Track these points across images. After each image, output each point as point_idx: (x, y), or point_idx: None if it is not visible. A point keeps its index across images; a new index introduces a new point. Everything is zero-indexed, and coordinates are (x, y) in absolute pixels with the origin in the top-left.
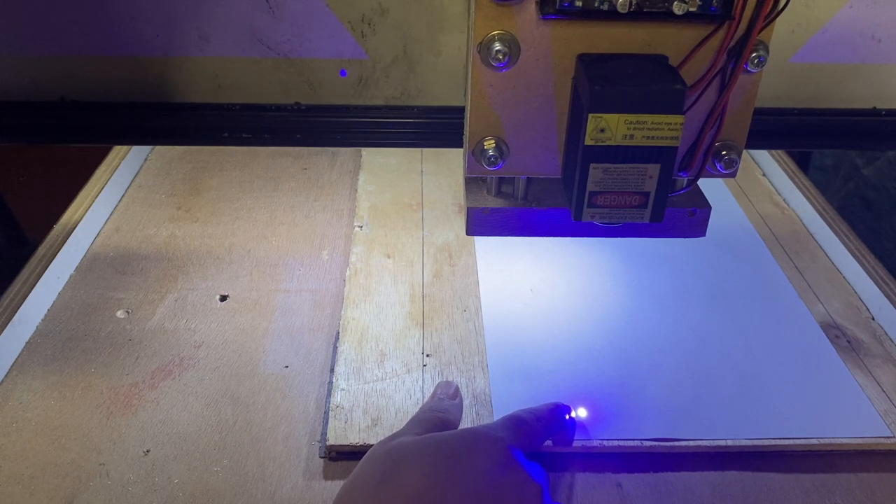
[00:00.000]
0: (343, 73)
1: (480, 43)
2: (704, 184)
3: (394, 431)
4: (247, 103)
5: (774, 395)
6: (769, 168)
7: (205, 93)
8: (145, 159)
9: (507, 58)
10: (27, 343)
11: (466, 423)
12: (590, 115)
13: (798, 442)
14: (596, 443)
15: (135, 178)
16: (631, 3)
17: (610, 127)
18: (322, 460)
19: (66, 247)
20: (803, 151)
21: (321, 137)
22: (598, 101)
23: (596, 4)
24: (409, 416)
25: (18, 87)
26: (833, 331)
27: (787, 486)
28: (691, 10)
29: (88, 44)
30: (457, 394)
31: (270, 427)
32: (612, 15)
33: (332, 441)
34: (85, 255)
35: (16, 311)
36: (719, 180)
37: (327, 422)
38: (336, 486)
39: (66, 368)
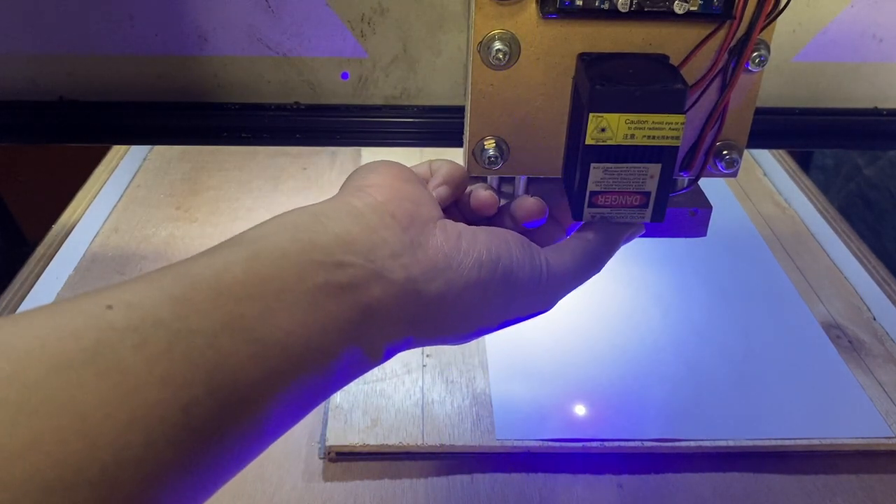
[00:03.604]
0: (345, 75)
1: (480, 42)
2: (705, 183)
3: (393, 432)
4: (246, 103)
5: (775, 396)
6: (770, 168)
7: (204, 92)
8: (144, 159)
9: (507, 57)
10: None
11: (466, 423)
12: (590, 115)
13: (799, 442)
14: (596, 443)
15: (133, 177)
16: (632, 2)
17: (610, 126)
18: (321, 461)
19: (64, 247)
20: (805, 151)
21: (321, 137)
22: (598, 101)
23: (596, 3)
24: (409, 417)
25: (17, 87)
26: (834, 331)
27: (788, 487)
28: (692, 9)
29: (88, 43)
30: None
31: None
32: (613, 14)
33: (331, 442)
34: (84, 256)
35: (14, 311)
36: (720, 180)
37: (326, 422)
38: (336, 487)
39: None
